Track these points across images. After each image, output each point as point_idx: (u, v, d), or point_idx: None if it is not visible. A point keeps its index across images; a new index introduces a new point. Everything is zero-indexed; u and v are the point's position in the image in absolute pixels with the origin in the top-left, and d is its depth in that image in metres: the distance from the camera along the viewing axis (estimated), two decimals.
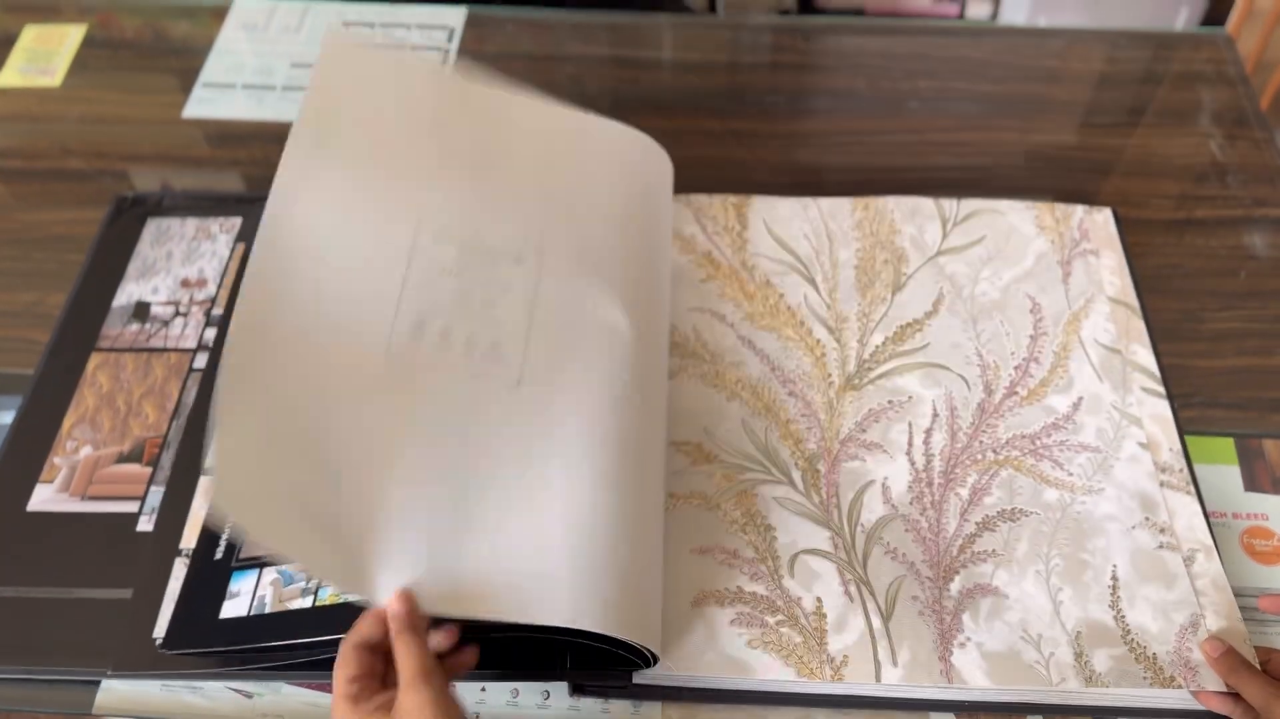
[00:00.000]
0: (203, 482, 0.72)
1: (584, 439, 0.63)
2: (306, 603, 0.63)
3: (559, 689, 0.65)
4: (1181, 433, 0.73)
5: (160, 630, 0.66)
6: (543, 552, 0.59)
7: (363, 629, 0.55)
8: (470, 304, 0.65)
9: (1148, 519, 0.68)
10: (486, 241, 0.67)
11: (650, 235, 0.76)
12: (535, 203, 0.71)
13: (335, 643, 0.60)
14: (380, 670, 0.55)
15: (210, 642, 0.63)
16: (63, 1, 1.10)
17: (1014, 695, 0.63)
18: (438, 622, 0.57)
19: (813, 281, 0.80)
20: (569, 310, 0.67)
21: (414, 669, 0.53)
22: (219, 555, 0.68)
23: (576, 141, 0.76)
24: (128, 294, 0.83)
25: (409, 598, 0.56)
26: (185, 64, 1.03)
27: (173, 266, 0.85)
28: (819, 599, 0.65)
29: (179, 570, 0.68)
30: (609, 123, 0.79)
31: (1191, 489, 0.69)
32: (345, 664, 0.54)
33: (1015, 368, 0.76)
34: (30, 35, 1.05)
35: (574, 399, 0.64)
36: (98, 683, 0.65)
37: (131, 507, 0.72)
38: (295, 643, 0.62)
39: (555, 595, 0.58)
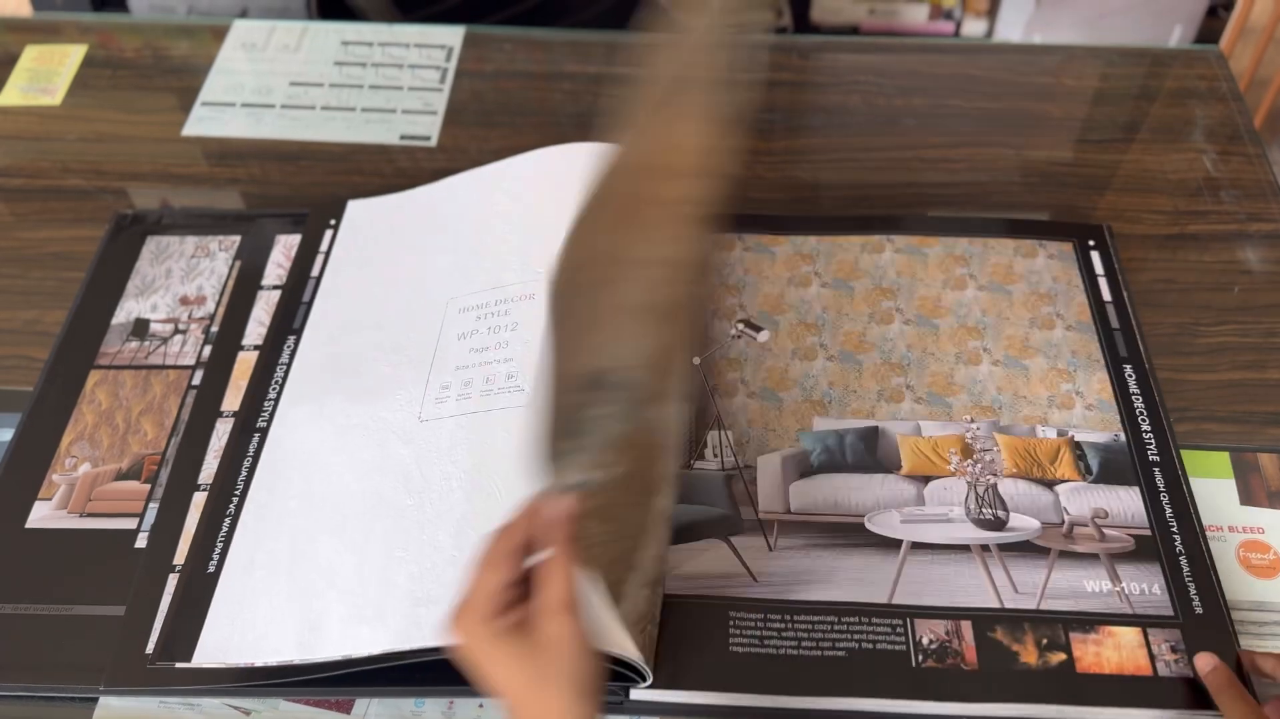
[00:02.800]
0: (196, 498, 0.72)
1: None
2: None
3: None
4: (1177, 447, 0.73)
5: (152, 646, 0.65)
6: None
7: (518, 531, 0.49)
8: (487, 352, 0.72)
9: None
10: (500, 294, 0.75)
11: None
12: (547, 240, 0.74)
13: (331, 664, 0.61)
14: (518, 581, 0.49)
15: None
16: (63, 22, 1.11)
17: (1016, 709, 0.63)
18: None
19: None
20: None
21: (565, 594, 0.47)
22: (211, 569, 0.68)
23: (583, 173, 0.79)
24: (127, 311, 0.83)
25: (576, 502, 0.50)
26: (185, 83, 1.03)
27: (172, 284, 0.85)
28: None
29: (172, 586, 0.68)
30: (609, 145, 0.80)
31: None
32: (497, 569, 0.48)
33: None
34: (31, 55, 1.06)
35: None
36: (95, 699, 0.65)
37: (130, 523, 0.72)
38: (289, 665, 0.62)
39: None
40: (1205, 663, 0.62)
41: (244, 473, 0.73)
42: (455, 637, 0.48)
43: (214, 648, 0.64)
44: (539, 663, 0.46)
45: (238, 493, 0.72)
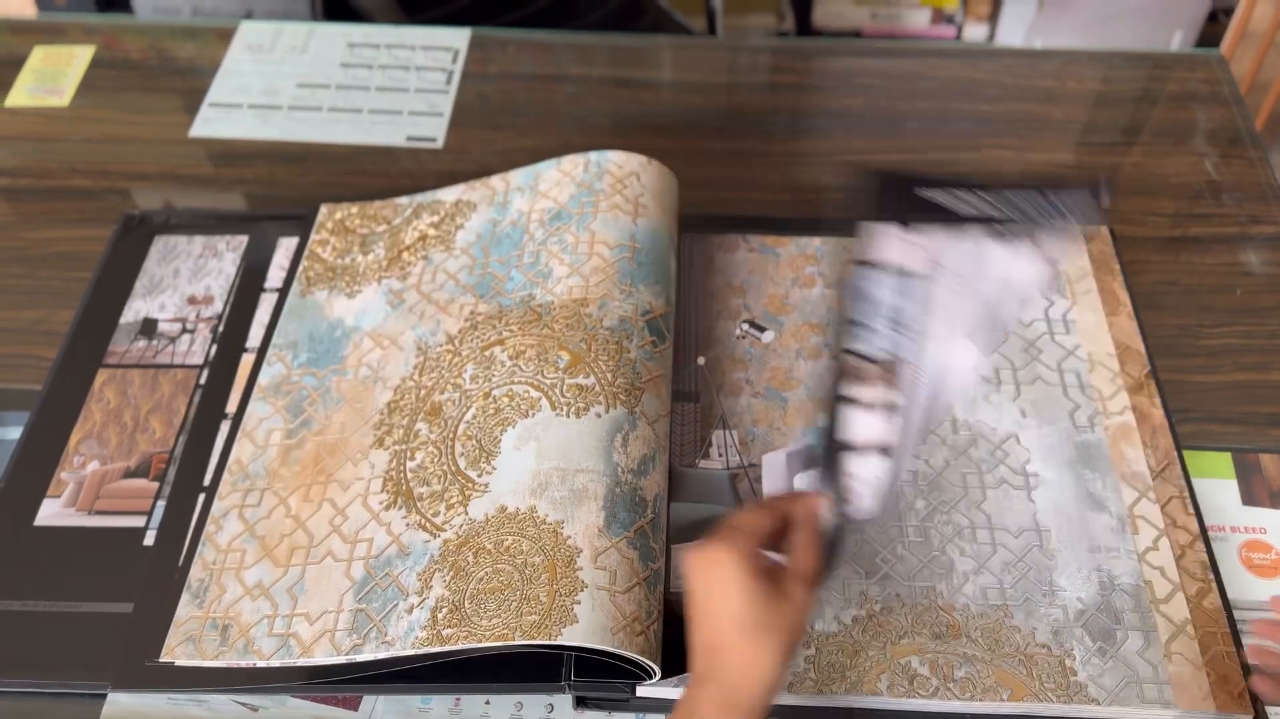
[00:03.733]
0: (200, 498, 0.73)
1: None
2: None
3: (563, 702, 0.65)
4: (1180, 447, 0.74)
5: (159, 644, 0.66)
6: None
7: (782, 503, 0.55)
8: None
9: None
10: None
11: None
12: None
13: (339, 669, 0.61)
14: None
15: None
16: (68, 24, 1.11)
17: (1025, 708, 0.63)
18: None
19: None
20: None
21: (814, 568, 0.53)
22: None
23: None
24: (135, 311, 0.84)
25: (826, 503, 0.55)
26: (191, 84, 1.04)
27: (179, 284, 0.85)
28: None
29: (194, 583, 0.69)
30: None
31: None
32: (764, 516, 0.54)
33: None
34: (39, 56, 1.06)
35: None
36: (104, 696, 0.65)
37: (139, 521, 0.72)
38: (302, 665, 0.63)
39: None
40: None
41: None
42: (712, 549, 0.52)
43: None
44: (771, 612, 0.51)
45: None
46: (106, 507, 0.73)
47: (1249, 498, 0.73)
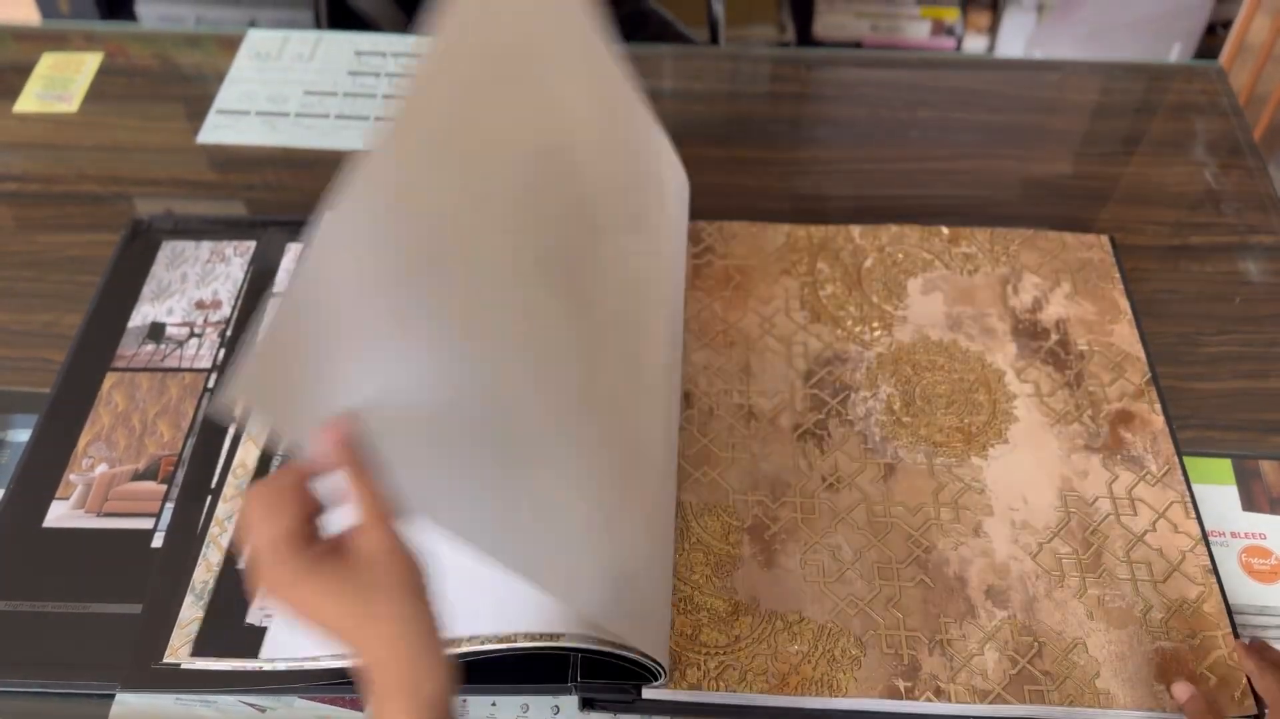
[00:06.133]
0: (207, 501, 0.73)
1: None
2: None
3: (569, 703, 0.65)
4: (1180, 453, 0.75)
5: (166, 645, 0.67)
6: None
7: (292, 469, 0.47)
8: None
9: None
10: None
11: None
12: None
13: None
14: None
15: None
16: (73, 31, 1.12)
17: (1014, 711, 0.64)
18: None
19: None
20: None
21: (373, 506, 0.45)
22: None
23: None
24: (143, 315, 0.84)
25: (354, 421, 0.46)
26: (199, 92, 1.04)
27: (187, 288, 0.86)
28: None
29: (198, 584, 0.69)
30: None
31: None
32: (285, 506, 0.45)
33: None
34: (48, 63, 1.07)
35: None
36: (112, 696, 0.66)
37: (147, 523, 0.73)
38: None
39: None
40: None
41: None
42: (264, 585, 0.45)
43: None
44: (363, 578, 0.44)
45: None
46: (115, 508, 0.74)
47: (1249, 504, 0.74)
